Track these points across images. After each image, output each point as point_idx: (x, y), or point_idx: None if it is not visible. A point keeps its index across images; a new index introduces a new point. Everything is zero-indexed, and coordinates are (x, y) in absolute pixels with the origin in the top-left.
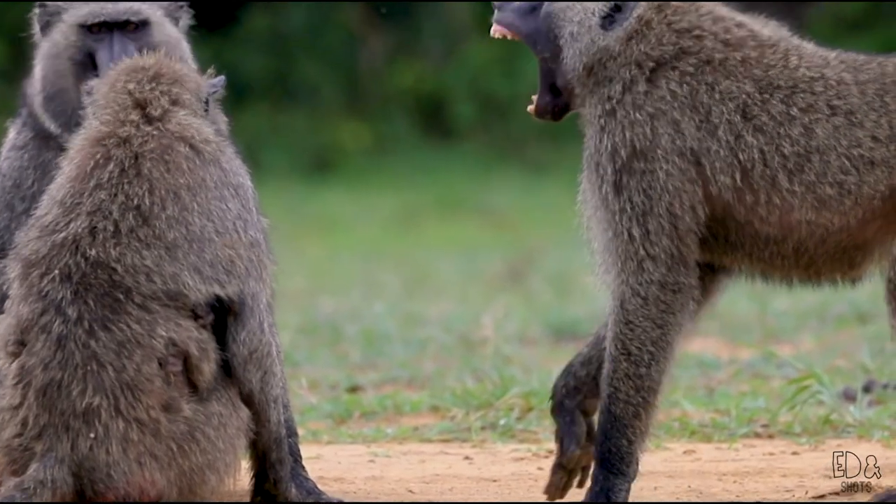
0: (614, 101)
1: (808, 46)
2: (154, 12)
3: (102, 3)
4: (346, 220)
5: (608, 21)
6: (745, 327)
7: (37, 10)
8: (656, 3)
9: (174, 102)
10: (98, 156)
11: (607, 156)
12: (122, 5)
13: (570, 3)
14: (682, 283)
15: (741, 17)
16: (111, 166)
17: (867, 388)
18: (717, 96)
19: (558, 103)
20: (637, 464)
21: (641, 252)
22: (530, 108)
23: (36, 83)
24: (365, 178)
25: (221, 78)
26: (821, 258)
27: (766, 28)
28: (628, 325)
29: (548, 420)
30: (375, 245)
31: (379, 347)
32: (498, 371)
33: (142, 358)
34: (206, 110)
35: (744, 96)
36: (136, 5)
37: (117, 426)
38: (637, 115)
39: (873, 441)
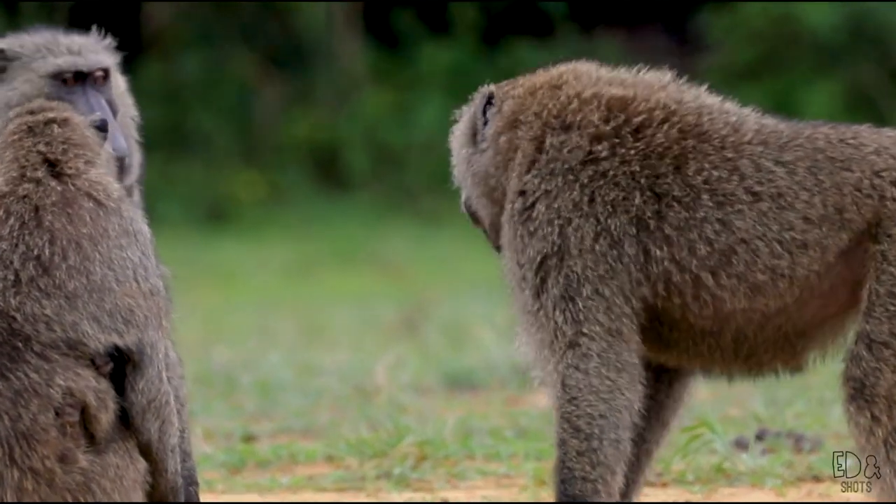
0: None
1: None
2: (113, 62)
3: (73, 55)
4: (242, 269)
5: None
6: None
7: None
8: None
9: (88, 163)
10: (1, 210)
11: (527, 263)
12: (91, 57)
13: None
14: (625, 361)
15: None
16: (11, 221)
17: (759, 437)
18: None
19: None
20: None
21: (570, 333)
22: None
23: None
24: (260, 228)
25: (103, 119)
26: (761, 347)
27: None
28: (572, 401)
29: (442, 468)
30: (270, 295)
31: (274, 397)
32: (392, 420)
33: (38, 407)
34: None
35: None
36: (102, 56)
37: (12, 475)
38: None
39: (766, 489)
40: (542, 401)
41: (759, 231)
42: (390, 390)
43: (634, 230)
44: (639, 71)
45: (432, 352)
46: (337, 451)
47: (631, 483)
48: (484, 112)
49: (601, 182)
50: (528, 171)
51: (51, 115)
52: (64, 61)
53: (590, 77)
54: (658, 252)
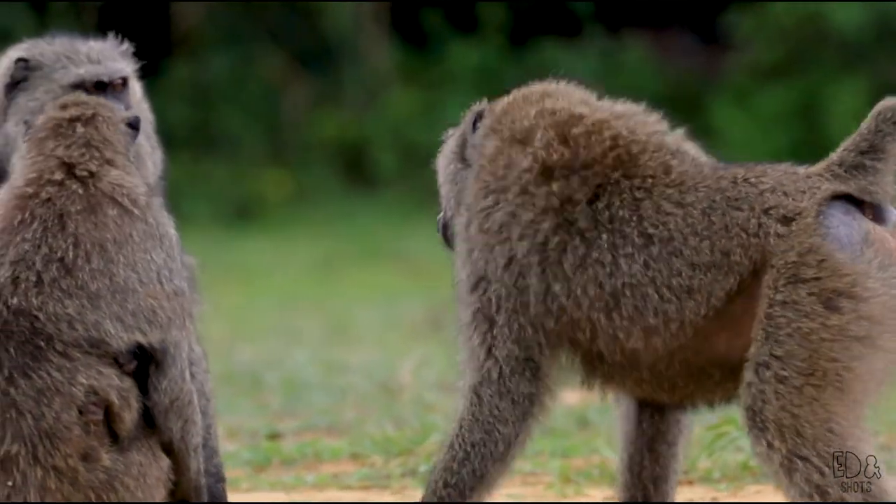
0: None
1: None
2: (131, 69)
3: (93, 64)
4: (267, 268)
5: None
6: None
7: (13, 64)
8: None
9: (108, 163)
10: (26, 212)
11: (465, 279)
12: (111, 65)
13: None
14: (521, 393)
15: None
16: (35, 224)
17: None
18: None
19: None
20: None
21: (482, 356)
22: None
23: (13, 139)
24: (286, 227)
25: (136, 117)
26: (679, 380)
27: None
28: (461, 421)
29: None
30: (296, 293)
31: (299, 395)
32: (418, 418)
33: (61, 406)
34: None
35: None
36: (121, 64)
37: (35, 474)
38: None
39: None
40: (568, 398)
41: (648, 276)
42: (415, 388)
43: (538, 258)
44: (615, 101)
45: (457, 349)
46: (362, 449)
47: (660, 491)
48: (474, 129)
49: (521, 199)
50: (476, 182)
51: (77, 111)
52: (85, 71)
53: (565, 95)
54: (558, 287)
